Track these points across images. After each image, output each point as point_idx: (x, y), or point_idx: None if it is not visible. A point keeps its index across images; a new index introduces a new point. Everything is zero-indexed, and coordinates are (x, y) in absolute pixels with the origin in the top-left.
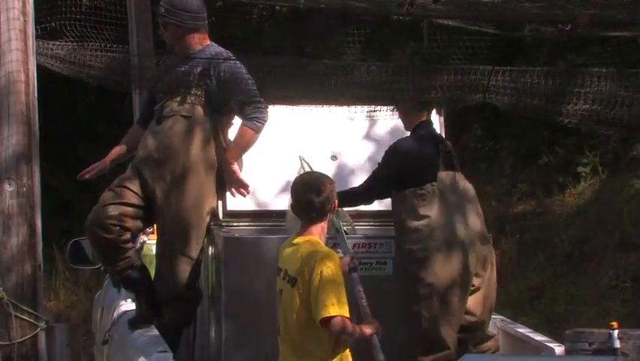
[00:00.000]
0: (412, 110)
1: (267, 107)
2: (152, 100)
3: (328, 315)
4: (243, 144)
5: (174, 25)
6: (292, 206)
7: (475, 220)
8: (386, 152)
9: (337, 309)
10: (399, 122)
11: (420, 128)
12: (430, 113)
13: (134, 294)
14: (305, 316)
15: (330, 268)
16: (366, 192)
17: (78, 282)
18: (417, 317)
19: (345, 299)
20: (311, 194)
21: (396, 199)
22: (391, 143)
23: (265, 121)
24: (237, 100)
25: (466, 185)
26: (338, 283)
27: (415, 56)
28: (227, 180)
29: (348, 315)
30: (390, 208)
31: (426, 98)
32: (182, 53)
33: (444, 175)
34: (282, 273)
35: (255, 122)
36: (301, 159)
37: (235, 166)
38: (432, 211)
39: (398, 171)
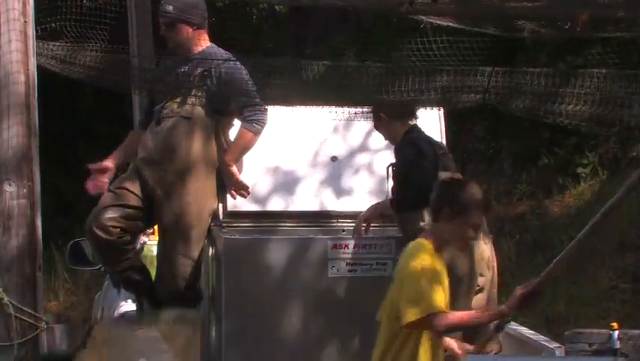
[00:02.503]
0: (394, 120)
1: (267, 110)
2: (154, 103)
3: (408, 321)
4: (242, 146)
5: (184, 23)
6: None
7: None
8: (406, 152)
9: (417, 311)
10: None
11: (413, 134)
12: (415, 118)
13: (134, 294)
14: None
15: (414, 262)
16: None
17: (78, 283)
18: None
19: (434, 291)
20: (438, 189)
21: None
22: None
23: (264, 124)
24: (237, 102)
25: None
26: (423, 277)
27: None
28: (226, 182)
29: (437, 310)
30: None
31: (426, 99)
32: (184, 53)
33: (443, 176)
34: None
35: (254, 124)
36: None
37: (234, 168)
38: None
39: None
